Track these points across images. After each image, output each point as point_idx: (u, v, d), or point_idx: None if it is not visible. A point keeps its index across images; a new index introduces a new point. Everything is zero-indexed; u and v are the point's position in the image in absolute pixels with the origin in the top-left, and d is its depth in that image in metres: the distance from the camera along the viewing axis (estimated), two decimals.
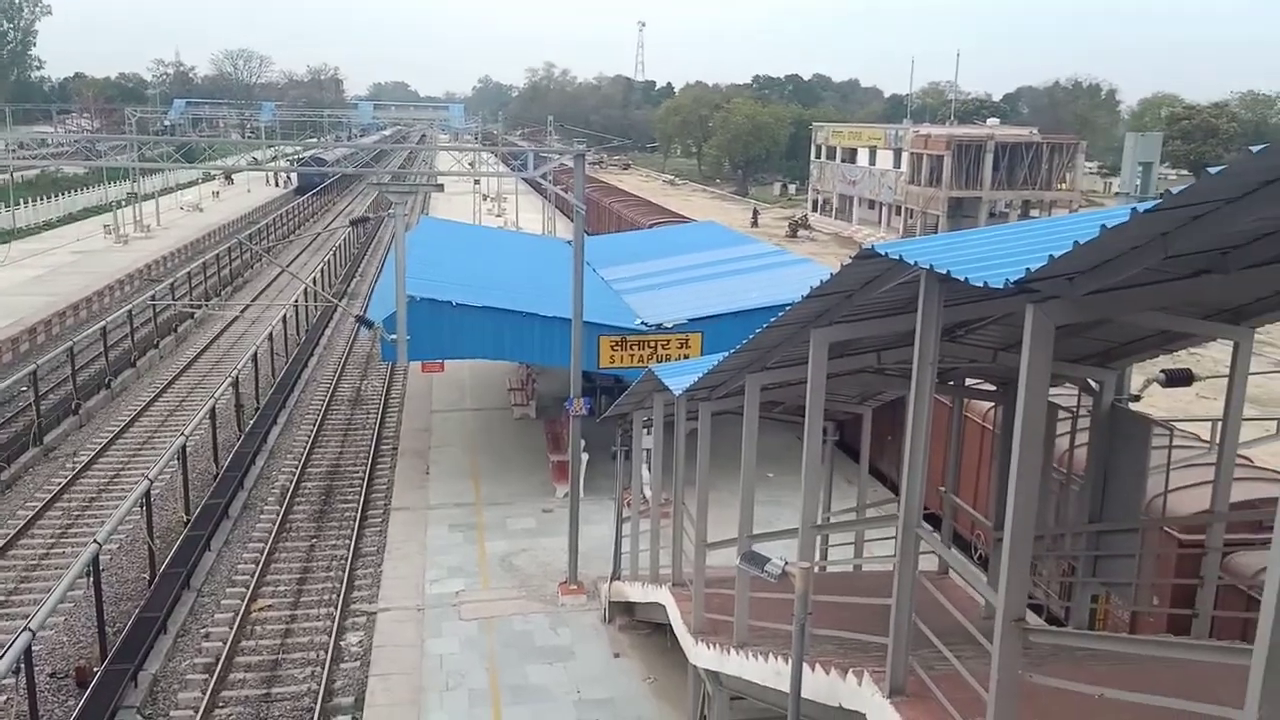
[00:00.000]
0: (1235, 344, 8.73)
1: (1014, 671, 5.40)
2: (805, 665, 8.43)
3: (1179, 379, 12.28)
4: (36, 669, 14.10)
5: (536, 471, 24.51)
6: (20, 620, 15.97)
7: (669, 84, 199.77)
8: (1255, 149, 3.18)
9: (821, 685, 8.08)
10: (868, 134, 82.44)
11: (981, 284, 4.92)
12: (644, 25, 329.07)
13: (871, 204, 79.32)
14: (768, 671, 9.28)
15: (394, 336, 18.99)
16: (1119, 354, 10.40)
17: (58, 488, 23.54)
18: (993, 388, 12.69)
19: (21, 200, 69.02)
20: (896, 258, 5.89)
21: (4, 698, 14.09)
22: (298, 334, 39.18)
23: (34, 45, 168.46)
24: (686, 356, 21.67)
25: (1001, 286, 4.74)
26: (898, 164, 74.51)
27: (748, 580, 10.36)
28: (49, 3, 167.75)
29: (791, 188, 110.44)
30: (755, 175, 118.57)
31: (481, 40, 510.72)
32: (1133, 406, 12.58)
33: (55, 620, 17.00)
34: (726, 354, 9.78)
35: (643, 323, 22.30)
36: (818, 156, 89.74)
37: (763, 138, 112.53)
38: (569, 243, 32.53)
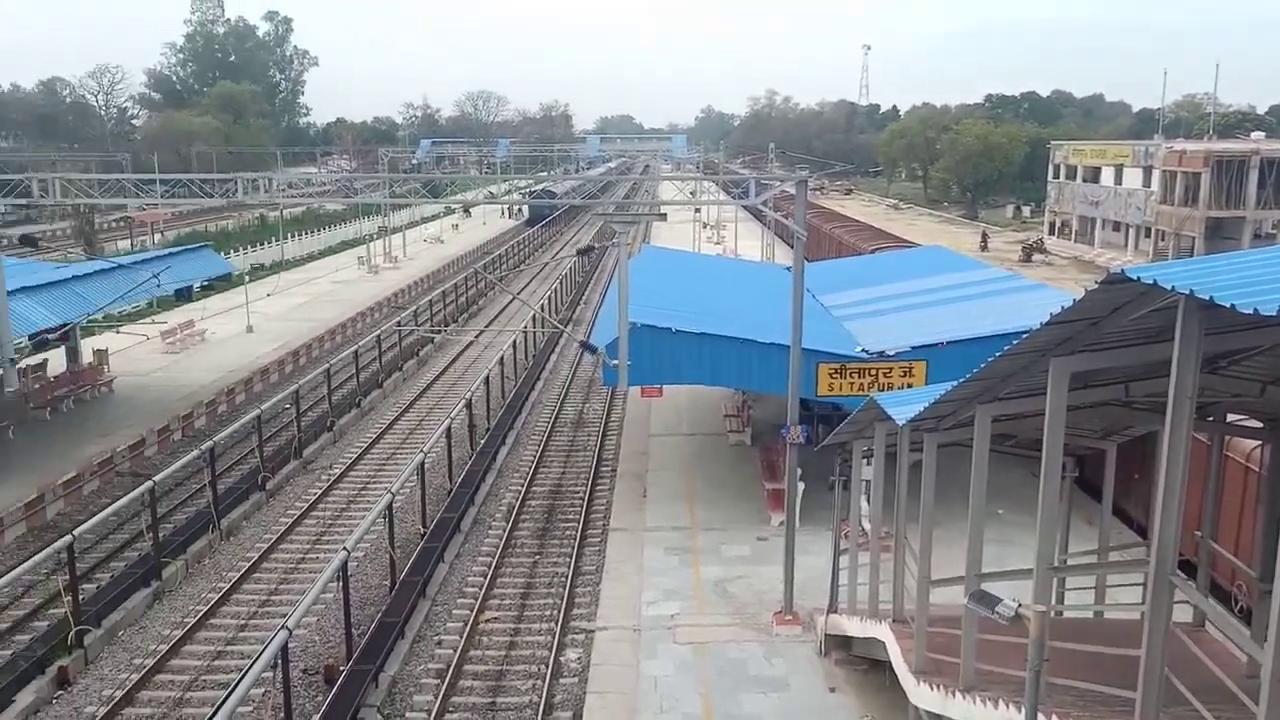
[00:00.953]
0: None
1: None
2: (1041, 715, 7.90)
3: None
4: (290, 665, 15.31)
5: (751, 498, 24.38)
6: (279, 619, 17.44)
7: (894, 106, 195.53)
8: None
9: None
10: (1113, 151, 77.34)
11: (1251, 311, 4.46)
12: (869, 49, 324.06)
13: (1116, 226, 74.29)
14: (997, 719, 8.75)
15: (616, 362, 19.47)
16: None
17: (314, 497, 25.61)
18: (1258, 424, 11.50)
19: (289, 235, 76.09)
20: (1150, 282, 5.44)
21: (262, 690, 15.38)
22: (526, 358, 40.95)
23: (302, 94, 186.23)
24: (909, 386, 20.98)
25: (1276, 314, 4.28)
26: (1147, 183, 69.44)
27: (975, 621, 9.84)
28: (316, 55, 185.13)
29: (1025, 210, 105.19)
30: (985, 198, 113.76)
31: (704, 71, 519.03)
32: None
33: (308, 620, 18.42)
34: (955, 383, 9.37)
35: (864, 350, 21.81)
36: (1056, 176, 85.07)
37: (994, 158, 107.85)
38: (788, 269, 32.37)
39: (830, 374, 21.68)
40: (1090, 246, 76.53)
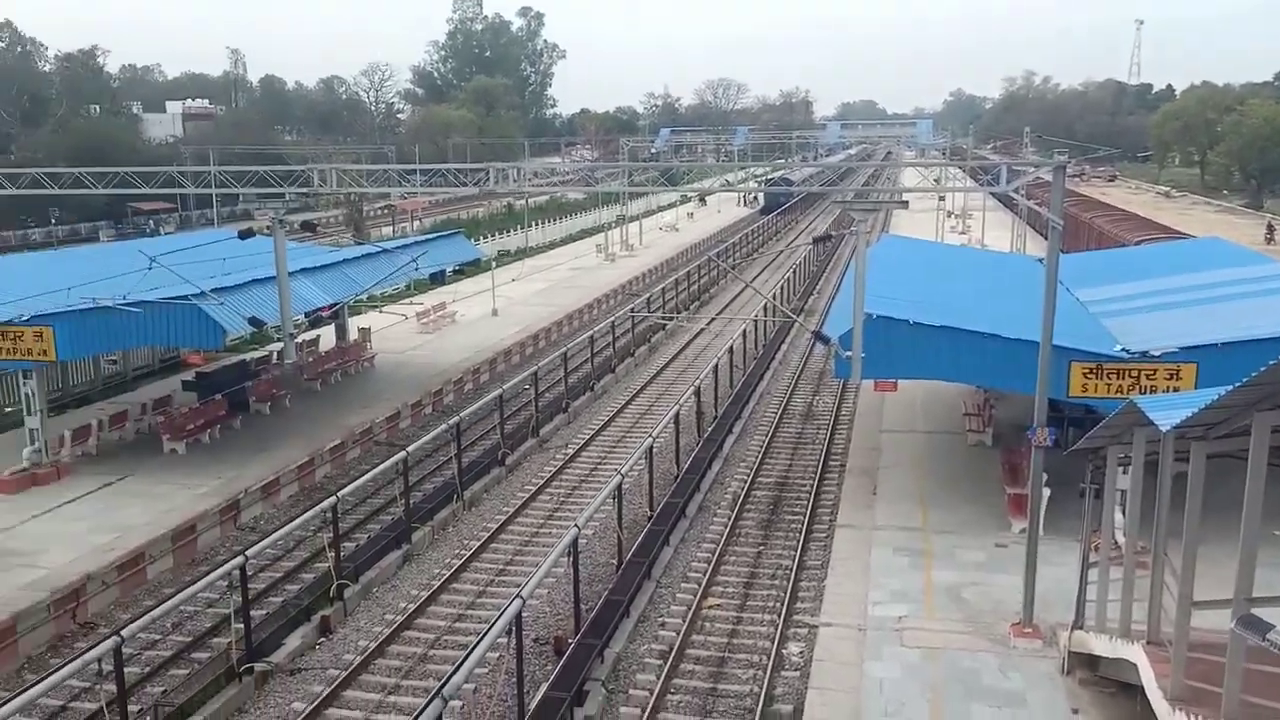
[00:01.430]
0: None
1: None
2: None
3: None
4: (524, 634, 16.03)
5: (989, 502, 23.17)
6: (514, 588, 18.30)
7: (1168, 86, 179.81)
8: None
9: None
10: None
11: None
12: (1141, 23, 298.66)
13: None
14: None
15: (849, 353, 19.01)
16: None
17: (548, 475, 26.70)
18: None
19: (533, 223, 79.60)
20: None
21: (497, 654, 16.19)
22: (756, 348, 40.85)
23: (550, 85, 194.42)
24: (1176, 390, 19.23)
25: None
26: None
27: (1243, 648, 8.88)
28: (564, 48, 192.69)
29: None
30: (1272, 186, 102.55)
31: (955, 52, 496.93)
32: None
33: (540, 592, 19.22)
34: (1230, 388, 8.46)
35: (1123, 349, 20.18)
36: None
37: None
38: (1039, 260, 30.45)
39: (1084, 373, 20.21)
40: None
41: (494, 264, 53.21)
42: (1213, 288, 26.49)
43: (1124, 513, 14.73)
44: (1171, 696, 10.82)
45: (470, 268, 55.40)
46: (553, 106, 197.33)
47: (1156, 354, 19.85)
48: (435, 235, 45.85)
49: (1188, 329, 21.37)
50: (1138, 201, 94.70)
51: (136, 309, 23.37)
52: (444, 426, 25.52)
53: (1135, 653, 12.50)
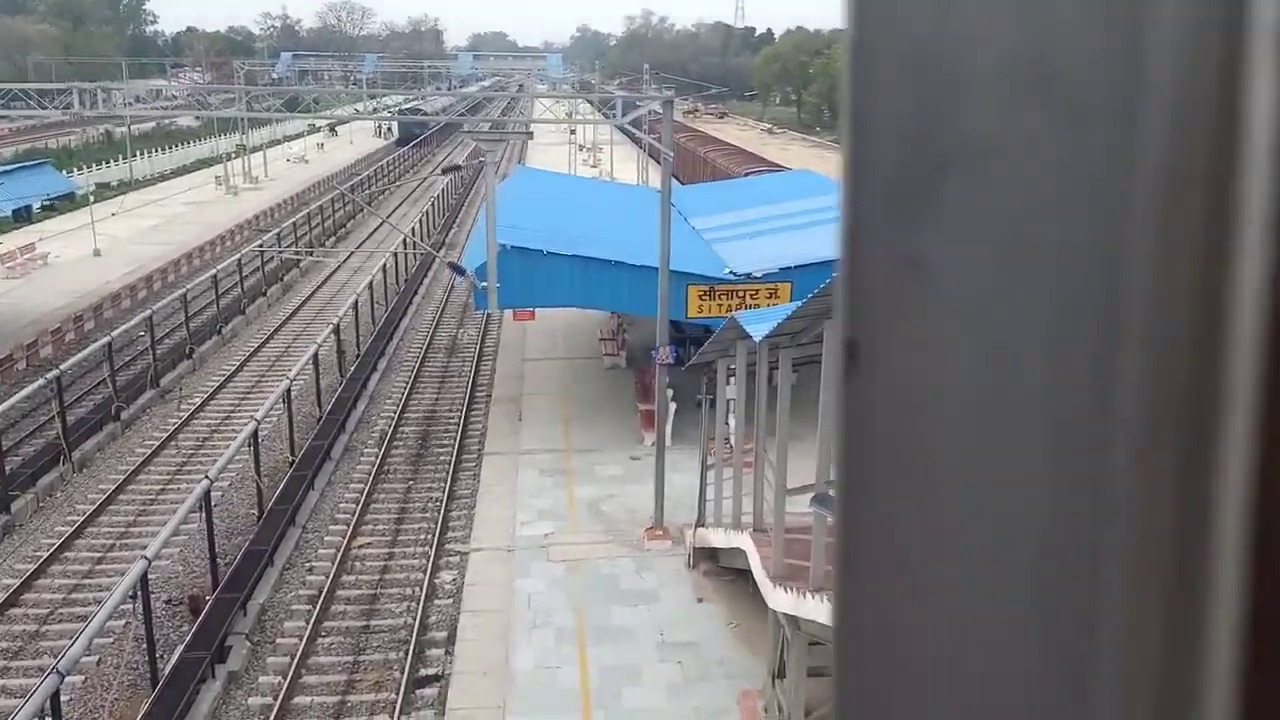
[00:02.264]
0: None
1: None
2: None
3: None
4: (153, 596, 15.01)
5: (626, 420, 24.79)
6: (139, 551, 17.02)
7: (769, 30, 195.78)
8: None
9: None
10: None
11: None
12: None
13: None
14: None
15: (485, 284, 19.35)
16: None
17: (173, 427, 24.81)
18: None
19: (137, 152, 71.92)
20: None
21: (124, 621, 15.06)
22: (397, 283, 40.17)
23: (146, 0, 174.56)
24: (776, 306, 21.55)
25: None
26: None
27: (824, 525, 10.39)
28: None
29: None
30: None
31: None
32: None
33: (170, 551, 18.02)
34: (803, 300, 9.73)
35: (731, 272, 22.23)
36: None
37: None
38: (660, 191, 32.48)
39: (700, 296, 22.06)
40: None
41: (91, 198, 47.60)
42: (807, 214, 29.71)
43: (733, 418, 16.46)
44: (773, 575, 12.41)
45: (63, 202, 49.33)
46: (153, 23, 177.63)
47: (759, 275, 22.08)
48: (15, 166, 40.14)
49: (784, 252, 23.92)
50: (746, 137, 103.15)
51: None
52: (41, 381, 22.82)
53: (744, 541, 14.13)
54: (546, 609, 16.38)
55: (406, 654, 15.44)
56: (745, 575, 15.87)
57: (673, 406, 23.06)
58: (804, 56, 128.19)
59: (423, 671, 15.23)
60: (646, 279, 20.62)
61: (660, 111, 17.64)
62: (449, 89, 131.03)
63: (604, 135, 79.28)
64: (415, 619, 16.40)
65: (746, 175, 45.94)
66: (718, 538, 16.26)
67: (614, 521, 19.80)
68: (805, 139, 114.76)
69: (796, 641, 12.22)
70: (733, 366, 15.44)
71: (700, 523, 17.86)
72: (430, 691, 14.72)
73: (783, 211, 30.54)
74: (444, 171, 29.98)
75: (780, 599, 11.84)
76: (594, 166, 71.08)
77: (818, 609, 10.29)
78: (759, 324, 12.13)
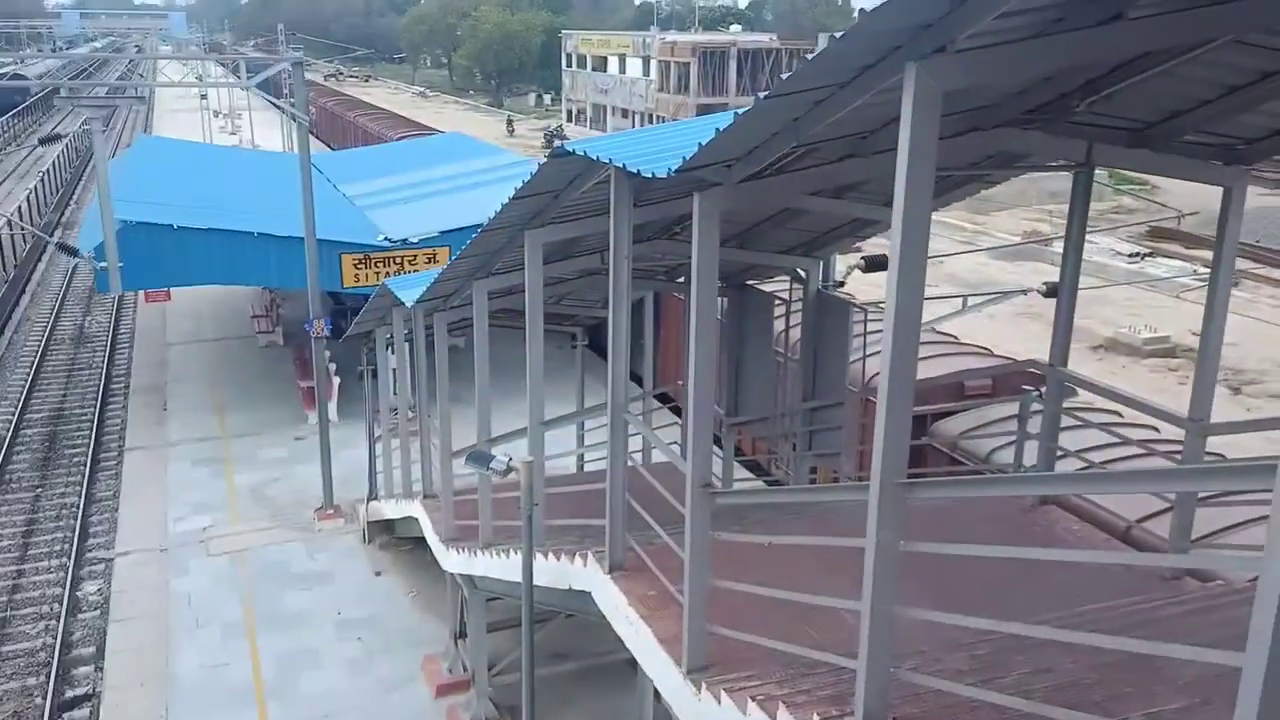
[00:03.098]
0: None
1: (705, 532, 5.90)
2: (540, 555, 8.81)
3: (877, 264, 13.40)
4: None
5: (287, 400, 23.67)
6: None
7: None
8: (837, 34, 3.54)
9: (554, 571, 8.48)
10: (616, 42, 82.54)
11: (650, 174, 5.20)
12: None
13: (625, 113, 79.95)
14: (509, 567, 9.60)
15: (105, 264, 17.60)
16: (820, 243, 11.20)
17: None
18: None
19: None
20: (583, 154, 6.08)
21: None
22: (4, 270, 35.46)
23: None
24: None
25: (665, 175, 5.03)
26: (647, 72, 75.25)
27: (489, 483, 10.60)
28: None
29: (547, 98, 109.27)
30: (510, 86, 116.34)
31: None
32: (839, 291, 13.64)
33: None
34: (449, 262, 9.78)
35: (386, 238, 21.75)
36: (569, 65, 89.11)
37: (514, 47, 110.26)
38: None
39: (355, 264, 21.39)
40: (604, 132, 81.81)
41: None
42: (462, 177, 29.62)
43: (396, 387, 16.24)
44: (445, 538, 12.48)
45: None
46: None
47: (415, 240, 21.78)
48: None
49: (441, 216, 23.72)
50: (398, 101, 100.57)
51: None
52: None
53: (415, 508, 14.07)
54: (210, 606, 15.41)
55: (48, 677, 13.95)
56: (423, 544, 15.82)
57: (336, 381, 22.33)
58: (451, 19, 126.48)
59: (69, 693, 13.84)
60: (294, 250, 19.65)
61: (292, 73, 16.79)
62: (53, 50, 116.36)
63: (241, 101, 74.04)
64: (56, 638, 14.81)
65: (399, 139, 44.91)
66: (391, 509, 16.06)
67: (281, 506, 18.94)
68: (459, 102, 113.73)
69: (474, 600, 12.40)
70: (391, 335, 15.20)
71: (373, 496, 17.54)
72: (80, 713, 13.42)
73: (438, 175, 30.22)
74: (41, 142, 26.78)
75: (453, 559, 11.95)
76: (233, 134, 66.30)
77: (488, 564, 10.50)
78: (410, 288, 12.02)
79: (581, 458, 16.17)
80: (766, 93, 4.18)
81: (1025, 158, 7.77)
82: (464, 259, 9.39)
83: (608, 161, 5.84)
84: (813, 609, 5.81)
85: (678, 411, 17.19)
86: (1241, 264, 26.32)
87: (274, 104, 60.87)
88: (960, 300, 16.07)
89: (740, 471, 17.99)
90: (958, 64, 3.67)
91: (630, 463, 7.70)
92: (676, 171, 4.97)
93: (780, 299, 13.05)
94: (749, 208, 8.98)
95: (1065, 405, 11.70)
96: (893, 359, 4.12)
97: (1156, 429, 12.96)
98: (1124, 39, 4.05)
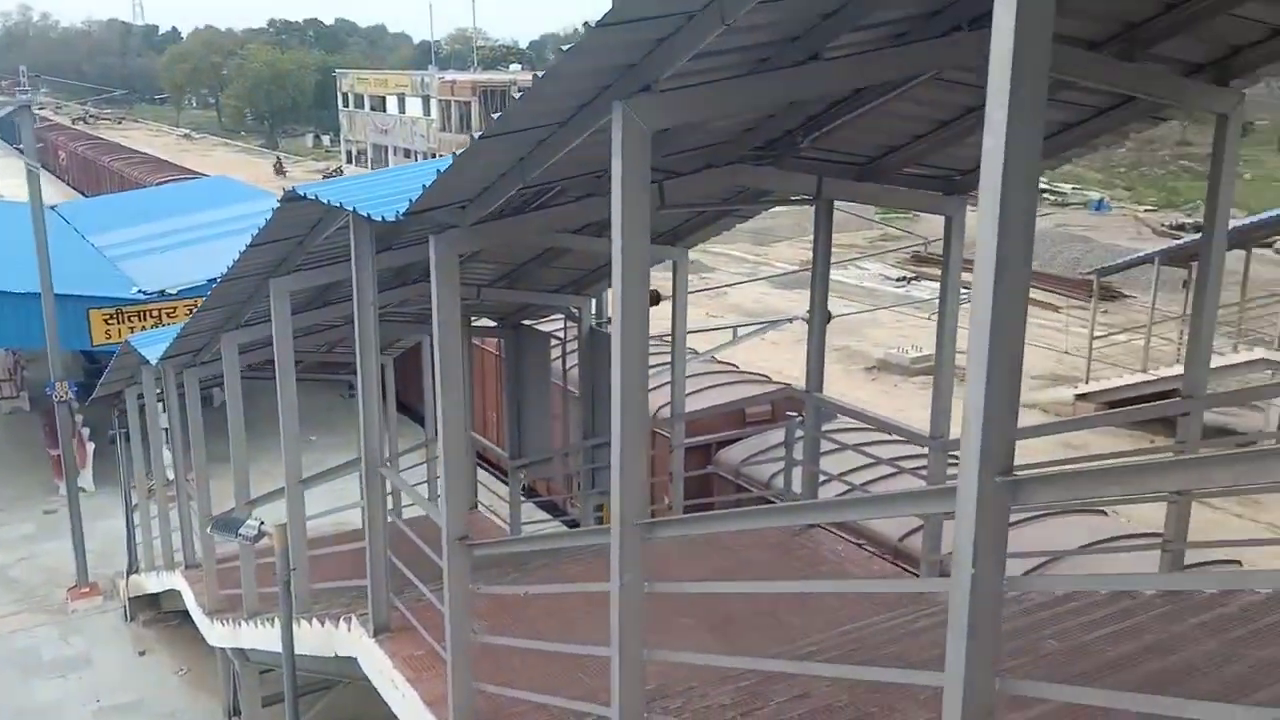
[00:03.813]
0: (673, 262, 9.83)
1: (464, 585, 5.68)
2: (305, 621, 8.30)
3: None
4: None
5: (36, 470, 21.61)
6: None
7: (174, 28, 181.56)
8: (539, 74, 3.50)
9: (319, 638, 8.00)
10: (394, 81, 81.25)
11: (380, 219, 4.99)
12: None
13: (408, 153, 78.64)
14: (274, 637, 8.99)
15: None
16: (590, 281, 11.26)
17: None
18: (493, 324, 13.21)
19: None
20: (313, 198, 5.80)
21: None
22: None
23: None
24: None
25: (395, 219, 4.85)
26: (428, 111, 74.43)
27: (250, 549, 9.92)
28: None
29: (325, 139, 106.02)
30: (284, 126, 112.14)
31: None
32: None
33: None
34: (194, 315, 9.15)
35: (140, 291, 20.29)
36: (346, 105, 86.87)
37: (286, 86, 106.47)
38: (54, 208, 28.60)
39: (105, 320, 19.82)
40: None
41: None
42: (227, 222, 28.10)
43: (150, 450, 15.07)
44: (210, 610, 11.61)
45: None
46: None
47: (174, 291, 20.43)
48: None
49: (204, 264, 22.35)
50: (160, 144, 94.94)
51: None
52: None
53: (177, 579, 13.05)
54: None
55: None
56: (189, 616, 14.69)
57: (91, 446, 20.57)
58: (216, 57, 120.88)
59: None
60: (32, 307, 18.00)
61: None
62: None
63: None
64: None
65: (160, 184, 42.29)
66: (153, 582, 14.84)
67: (29, 587, 17.17)
68: (229, 143, 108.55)
69: (247, 673, 11.58)
70: (142, 395, 14.10)
71: (133, 569, 16.16)
72: None
73: (201, 221, 28.57)
74: None
75: (218, 632, 11.12)
76: None
77: (254, 634, 9.81)
78: (152, 345, 11.17)
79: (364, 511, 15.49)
80: (481, 133, 4.08)
81: (770, 192, 8.07)
82: (206, 311, 8.80)
83: (339, 206, 5.59)
84: (589, 656, 5.71)
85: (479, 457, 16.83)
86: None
87: (16, 150, 56.16)
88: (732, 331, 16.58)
89: (539, 513, 17.81)
90: (663, 103, 3.69)
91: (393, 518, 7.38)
92: (405, 215, 4.79)
93: (557, 338, 13.02)
94: (500, 247, 8.89)
95: (846, 428, 12.24)
96: (624, 398, 4.08)
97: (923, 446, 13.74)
98: (825, 78, 4.23)
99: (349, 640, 7.37)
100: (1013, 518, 2.75)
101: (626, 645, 4.23)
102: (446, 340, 5.23)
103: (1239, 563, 10.14)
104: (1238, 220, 24.88)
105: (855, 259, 39.59)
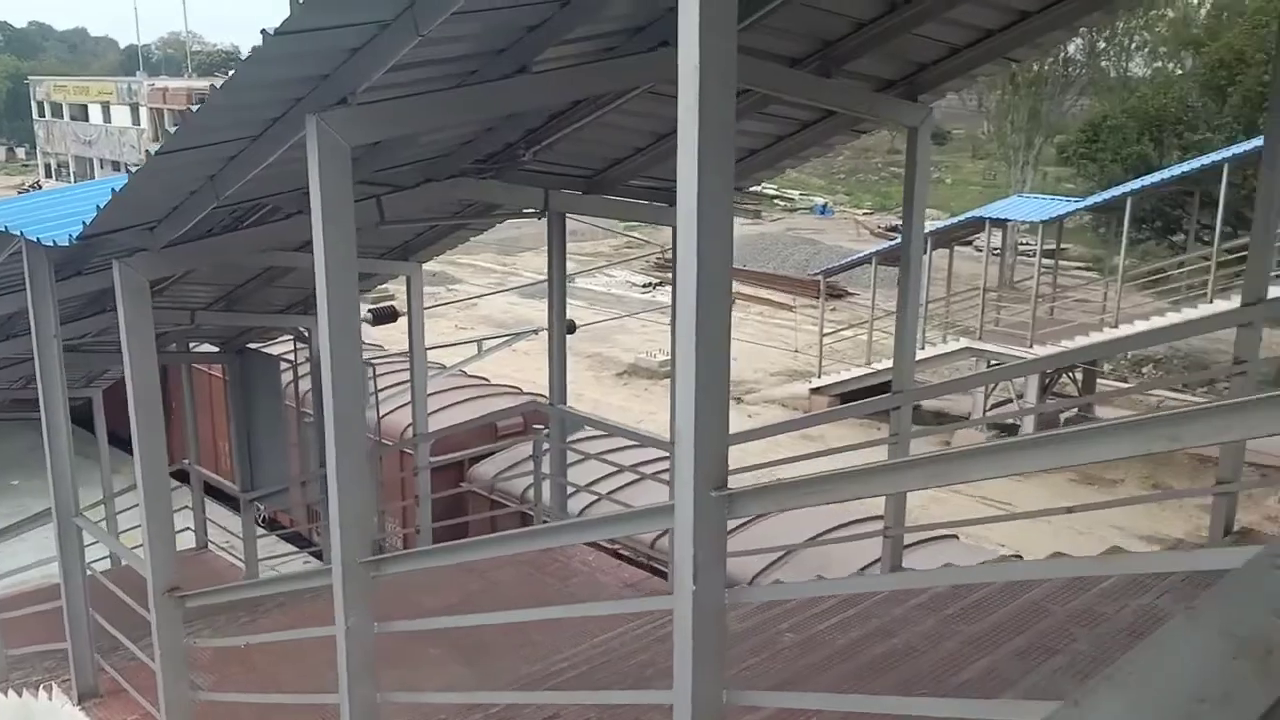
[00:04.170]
0: (407, 278, 9.50)
1: (177, 640, 5.19)
2: (34, 692, 7.34)
3: (385, 316, 13.17)
4: None
5: None
6: None
7: None
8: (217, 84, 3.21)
9: (16, 711, 7.10)
10: (97, 89, 74.68)
11: (52, 244, 4.45)
12: None
13: (116, 165, 72.42)
14: None
15: None
16: (314, 303, 10.68)
17: None
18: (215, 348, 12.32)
19: None
20: None
21: None
22: None
23: None
24: None
25: (69, 244, 4.33)
26: (137, 120, 68.95)
27: None
28: None
29: (20, 151, 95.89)
30: None
31: None
32: None
33: None
34: None
35: None
36: (42, 115, 79.09)
37: None
38: None
39: None
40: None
41: None
42: None
43: None
44: None
45: None
46: None
47: None
48: None
49: None
50: None
51: None
52: None
53: None
54: None
55: None
56: None
57: None
58: None
59: None
60: None
61: None
62: None
63: None
64: None
65: None
66: None
67: None
68: None
69: None
70: None
71: None
72: None
73: None
74: None
75: None
76: None
77: None
78: None
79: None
80: (159, 147, 3.70)
81: (500, 206, 7.94)
82: None
83: (3, 230, 4.94)
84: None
85: (213, 491, 15.58)
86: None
87: None
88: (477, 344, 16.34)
89: (283, 546, 16.78)
90: (361, 116, 3.48)
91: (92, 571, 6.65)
92: (80, 239, 4.28)
93: (287, 361, 12.31)
94: (215, 268, 8.27)
95: (595, 435, 12.27)
96: (336, 428, 3.82)
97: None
98: (535, 91, 4.16)
99: (52, 713, 6.57)
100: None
101: (356, 691, 3.97)
102: (140, 372, 4.74)
103: (956, 536, 11.06)
104: (942, 222, 27.40)
105: (603, 266, 40.28)
